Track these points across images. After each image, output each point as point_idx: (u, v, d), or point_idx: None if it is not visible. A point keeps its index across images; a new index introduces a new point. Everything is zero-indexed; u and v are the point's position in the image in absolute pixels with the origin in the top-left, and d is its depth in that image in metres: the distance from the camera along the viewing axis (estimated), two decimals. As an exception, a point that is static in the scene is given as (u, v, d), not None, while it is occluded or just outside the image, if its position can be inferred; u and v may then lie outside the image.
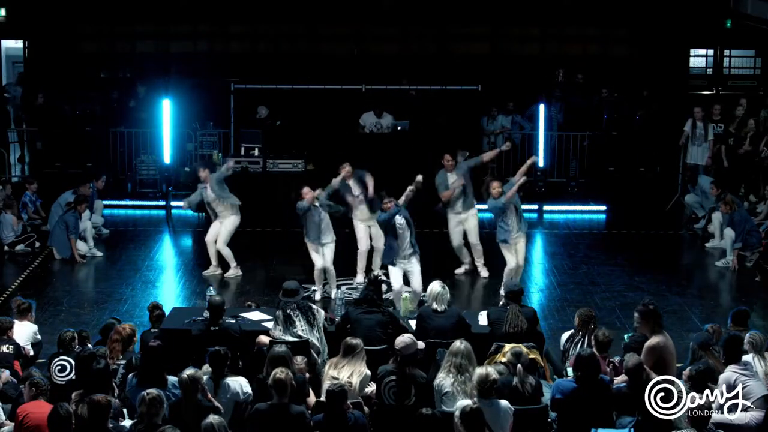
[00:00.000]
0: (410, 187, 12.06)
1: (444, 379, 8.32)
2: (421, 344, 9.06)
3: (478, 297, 13.03)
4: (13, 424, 8.00)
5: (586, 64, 20.43)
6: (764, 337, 9.13)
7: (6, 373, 9.02)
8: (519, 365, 8.33)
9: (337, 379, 8.32)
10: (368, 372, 8.53)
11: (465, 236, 13.66)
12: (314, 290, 12.76)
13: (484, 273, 13.61)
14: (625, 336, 9.73)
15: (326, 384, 8.47)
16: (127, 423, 7.98)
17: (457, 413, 7.67)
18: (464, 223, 13.57)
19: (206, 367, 8.50)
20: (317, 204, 12.47)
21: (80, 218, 14.64)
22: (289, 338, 9.18)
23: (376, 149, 16.39)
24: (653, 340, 8.90)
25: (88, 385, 8.07)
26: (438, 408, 8.08)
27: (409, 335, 8.60)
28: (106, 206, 17.23)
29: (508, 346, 8.95)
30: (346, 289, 12.75)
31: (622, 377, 8.69)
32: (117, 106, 19.28)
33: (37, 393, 8.07)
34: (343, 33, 20.71)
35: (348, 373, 8.49)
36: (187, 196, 14.38)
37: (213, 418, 7.25)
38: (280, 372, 7.72)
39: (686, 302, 12.94)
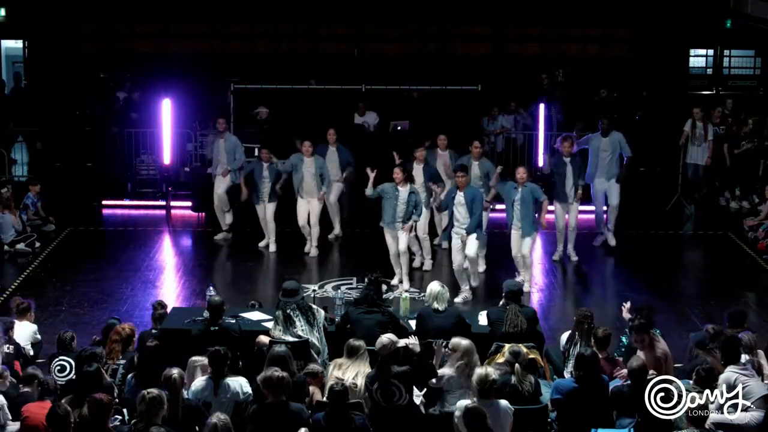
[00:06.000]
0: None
1: (447, 377, 8.32)
2: (406, 341, 8.87)
3: (478, 297, 13.01)
4: (18, 423, 8.02)
5: (586, 64, 20.42)
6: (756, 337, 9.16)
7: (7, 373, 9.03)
8: (516, 364, 8.34)
9: (342, 379, 8.33)
10: None
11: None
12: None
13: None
14: (623, 338, 9.69)
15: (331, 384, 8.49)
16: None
17: (457, 412, 7.68)
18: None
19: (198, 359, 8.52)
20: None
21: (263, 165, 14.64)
22: (289, 338, 9.18)
23: (377, 149, 16.37)
24: (659, 351, 8.87)
25: (78, 388, 8.03)
26: (439, 407, 8.08)
27: (388, 336, 8.53)
28: (105, 206, 17.26)
29: (507, 346, 8.95)
30: (346, 289, 12.76)
31: (619, 373, 8.71)
32: (117, 107, 19.31)
33: (42, 393, 8.11)
34: (343, 33, 20.72)
35: (353, 374, 8.51)
36: (191, 197, 14.33)
37: (217, 418, 7.26)
38: (274, 371, 7.76)
39: (686, 302, 12.94)
